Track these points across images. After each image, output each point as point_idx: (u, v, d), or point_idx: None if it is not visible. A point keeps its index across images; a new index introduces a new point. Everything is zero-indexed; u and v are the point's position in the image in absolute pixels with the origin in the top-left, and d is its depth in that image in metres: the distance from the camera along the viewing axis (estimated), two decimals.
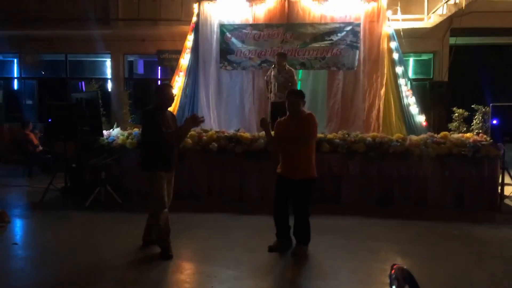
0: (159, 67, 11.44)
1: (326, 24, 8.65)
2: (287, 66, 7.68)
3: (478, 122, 7.63)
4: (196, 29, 8.84)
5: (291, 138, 4.26)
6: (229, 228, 5.18)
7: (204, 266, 4.06)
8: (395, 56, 8.40)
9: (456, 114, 8.16)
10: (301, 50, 8.66)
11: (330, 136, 6.61)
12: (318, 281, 3.72)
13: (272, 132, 4.54)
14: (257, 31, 8.74)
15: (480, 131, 7.22)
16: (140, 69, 12.71)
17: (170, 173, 4.28)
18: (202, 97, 8.74)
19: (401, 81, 8.34)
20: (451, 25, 9.27)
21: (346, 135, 6.57)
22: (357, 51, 8.54)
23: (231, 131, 6.72)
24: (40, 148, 9.19)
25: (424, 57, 10.29)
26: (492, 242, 4.84)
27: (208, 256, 4.29)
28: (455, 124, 8.10)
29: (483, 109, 7.47)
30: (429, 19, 9.19)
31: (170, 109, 4.46)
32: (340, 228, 5.20)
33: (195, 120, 4.14)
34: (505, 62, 16.56)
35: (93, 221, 5.50)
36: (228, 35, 8.77)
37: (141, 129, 4.34)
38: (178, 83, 8.61)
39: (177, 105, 8.46)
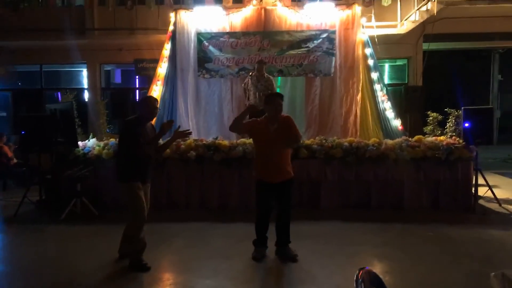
0: (137, 76, 11.36)
1: (302, 31, 8.77)
2: (266, 73, 7.75)
3: (451, 125, 7.82)
4: (173, 38, 8.83)
5: (273, 142, 4.25)
6: (208, 237, 5.15)
7: (182, 276, 4.02)
8: (370, 62, 8.57)
9: (430, 117, 8.35)
10: (278, 58, 8.74)
11: (308, 142, 6.66)
12: (296, 287, 3.73)
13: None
14: (235, 39, 8.78)
15: (453, 134, 7.40)
16: (117, 78, 12.59)
17: (146, 184, 4.24)
18: (180, 105, 8.70)
19: (377, 87, 8.49)
20: (424, 31, 9.52)
21: (324, 141, 6.63)
22: (333, 58, 8.68)
23: (210, 139, 6.71)
24: (15, 160, 8.97)
25: (399, 62, 10.52)
26: (468, 242, 4.94)
27: (186, 266, 4.25)
28: (429, 127, 8.28)
29: (456, 113, 7.67)
30: (402, 26, 9.42)
31: None
32: (319, 233, 5.24)
33: (183, 133, 4.19)
34: (477, 66, 17.11)
35: (69, 234, 5.38)
36: (206, 43, 8.79)
37: (119, 139, 4.29)
38: (156, 92, 8.56)
39: None
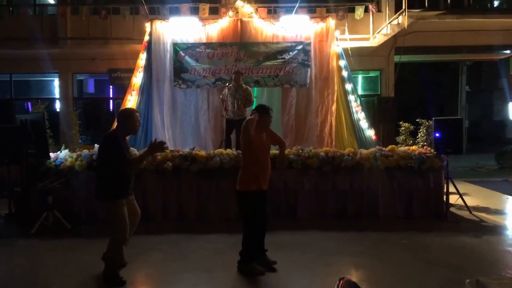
0: (111, 86, 11.19)
1: (278, 43, 8.89)
2: (244, 84, 7.80)
3: (422, 135, 8.06)
4: (149, 48, 8.78)
5: (268, 150, 4.44)
6: (186, 250, 5.08)
7: None
8: (345, 73, 8.76)
9: (402, 128, 8.58)
10: (254, 68, 8.82)
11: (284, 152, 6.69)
12: None
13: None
14: (211, 50, 8.81)
15: (425, 143, 7.62)
16: (90, 88, 12.36)
17: (129, 198, 4.16)
18: (156, 116, 8.63)
19: (351, 97, 8.68)
20: (395, 44, 9.81)
21: (300, 151, 6.69)
22: (309, 69, 8.83)
23: (186, 150, 6.66)
24: None
25: (372, 74, 10.78)
26: (441, 250, 5.07)
27: (164, 280, 4.18)
28: (402, 137, 8.51)
29: (427, 123, 7.91)
30: (375, 39, 9.69)
31: None
32: (296, 243, 5.25)
33: (161, 146, 3.98)
34: (446, 77, 17.77)
35: (40, 249, 5.20)
36: (182, 53, 8.78)
37: (101, 155, 4.06)
38: (131, 102, 8.45)
39: None
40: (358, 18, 9.58)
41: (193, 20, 8.96)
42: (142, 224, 6.03)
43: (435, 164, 6.47)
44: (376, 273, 4.32)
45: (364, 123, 8.48)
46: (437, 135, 6.59)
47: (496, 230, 5.95)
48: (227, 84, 7.85)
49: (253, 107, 8.76)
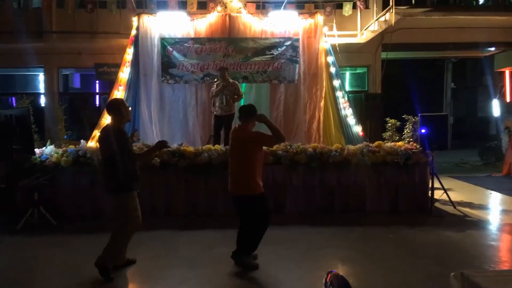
0: (97, 81, 11.06)
1: (266, 39, 8.89)
2: (231, 79, 7.79)
3: (409, 131, 8.17)
4: (136, 42, 8.69)
5: None
6: (175, 245, 5.07)
7: (148, 286, 3.94)
8: (332, 70, 8.81)
9: (389, 124, 8.68)
10: (243, 64, 8.80)
11: (273, 148, 6.73)
12: None
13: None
14: (199, 45, 8.76)
15: (411, 139, 7.73)
16: (76, 83, 12.20)
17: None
18: (143, 111, 8.57)
19: (339, 94, 8.74)
20: (382, 40, 9.89)
21: (289, 147, 6.72)
22: (297, 65, 8.85)
23: (174, 146, 6.63)
24: None
25: (359, 70, 10.86)
26: (426, 244, 5.16)
27: (153, 275, 4.17)
28: (388, 133, 8.61)
29: (413, 119, 8.01)
30: (362, 35, 9.76)
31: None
32: (284, 239, 5.29)
33: (165, 144, 4.18)
34: (432, 74, 17.98)
35: (26, 246, 5.13)
36: (170, 48, 8.71)
37: (109, 148, 3.99)
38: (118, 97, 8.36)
39: None
40: (346, 14, 9.63)
41: (181, 14, 8.90)
42: None
43: (420, 159, 6.57)
44: (363, 267, 4.38)
45: (351, 119, 8.55)
46: (422, 131, 6.69)
47: (479, 224, 6.08)
48: (215, 80, 7.84)
49: (242, 103, 8.85)
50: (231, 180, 4.37)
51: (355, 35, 9.80)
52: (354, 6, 9.65)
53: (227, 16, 8.83)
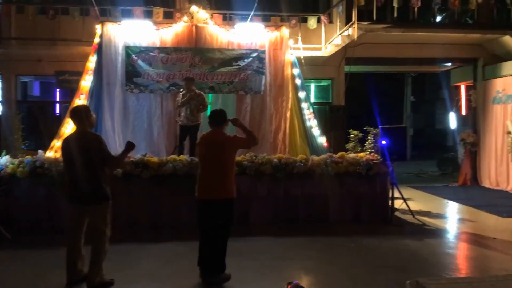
0: (58, 89, 10.71)
1: (233, 50, 8.93)
2: (197, 89, 7.77)
3: (370, 142, 8.41)
4: (99, 50, 8.50)
5: None
6: (136, 259, 4.95)
7: None
8: (298, 81, 8.96)
9: (352, 135, 8.90)
10: (209, 74, 8.80)
11: (238, 158, 6.73)
12: None
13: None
14: (165, 55, 8.69)
15: (372, 150, 7.96)
16: (35, 91, 11.75)
17: None
18: (106, 120, 8.36)
19: (304, 105, 8.89)
20: (346, 54, 10.16)
21: (254, 157, 6.76)
22: (263, 77, 8.94)
23: (138, 156, 6.51)
24: None
25: (323, 83, 11.10)
26: (386, 253, 5.31)
27: None
28: (351, 144, 8.82)
29: (374, 131, 8.26)
30: (326, 49, 10.00)
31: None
32: (249, 250, 5.29)
33: (133, 145, 4.18)
34: (392, 88, 18.67)
35: None
36: (134, 57, 8.58)
37: (95, 155, 3.93)
38: None
39: None
40: (311, 28, 9.85)
41: (147, 23, 8.80)
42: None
43: (381, 170, 6.77)
44: (325, 277, 4.45)
45: (316, 130, 8.70)
46: (383, 142, 6.91)
47: (437, 233, 6.32)
48: (181, 90, 7.79)
49: (208, 113, 8.82)
50: (206, 184, 4.30)
51: (319, 49, 10.03)
52: (319, 21, 9.89)
53: (194, 26, 8.81)
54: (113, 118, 8.40)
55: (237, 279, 4.30)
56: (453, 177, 11.45)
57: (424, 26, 10.28)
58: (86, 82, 8.31)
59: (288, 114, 8.90)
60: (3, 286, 4.11)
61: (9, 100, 10.00)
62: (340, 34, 9.71)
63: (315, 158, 6.94)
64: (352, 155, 7.21)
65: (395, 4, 9.52)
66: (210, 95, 8.93)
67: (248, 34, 8.97)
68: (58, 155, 6.55)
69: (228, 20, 9.45)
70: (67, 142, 4.08)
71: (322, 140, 8.62)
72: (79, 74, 8.57)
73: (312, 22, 9.82)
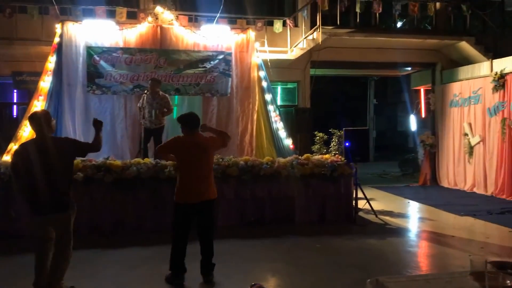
0: (15, 90, 10.25)
1: (199, 51, 8.87)
2: (161, 92, 7.66)
3: (335, 144, 8.58)
4: (59, 50, 8.20)
5: None
6: (98, 265, 4.80)
7: None
8: (264, 84, 9.02)
9: (317, 137, 9.05)
10: (175, 76, 8.69)
11: None
12: None
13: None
14: (129, 55, 8.50)
15: (337, 152, 8.12)
16: None
17: None
18: (67, 122, 8.08)
19: (270, 107, 8.95)
20: (311, 58, 10.34)
21: (221, 160, 6.73)
22: (230, 79, 8.93)
23: (100, 159, 6.32)
24: None
25: (290, 85, 11.23)
26: (350, 252, 5.42)
27: None
28: (317, 146, 8.97)
29: (339, 133, 8.43)
30: (292, 52, 10.12)
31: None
32: (215, 252, 5.23)
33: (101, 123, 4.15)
34: (356, 91, 19.19)
35: None
36: (96, 58, 8.35)
37: (68, 161, 3.86)
38: (38, 108, 7.79)
39: None
40: (276, 31, 9.94)
41: (109, 23, 8.58)
42: None
43: (345, 171, 6.91)
44: (292, 278, 4.48)
45: (282, 133, 8.78)
46: (346, 144, 7.06)
47: (398, 232, 6.52)
48: (145, 92, 7.65)
49: (174, 115, 8.71)
50: (192, 188, 4.31)
51: (285, 52, 10.14)
52: (284, 24, 10.01)
53: (159, 27, 8.68)
54: (74, 120, 8.13)
55: (203, 283, 4.26)
56: (414, 177, 11.86)
57: (385, 32, 10.62)
58: (45, 83, 8.00)
59: (255, 117, 8.93)
60: None
61: None
62: (305, 38, 9.86)
63: (281, 160, 6.99)
64: (317, 157, 7.32)
65: (357, 10, 9.78)
66: (176, 97, 8.82)
67: (215, 36, 8.94)
68: None
69: (194, 21, 9.37)
70: (24, 149, 3.82)
71: (288, 142, 8.71)
72: (38, 74, 8.25)
73: (277, 25, 9.91)
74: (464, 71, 10.46)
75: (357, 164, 7.13)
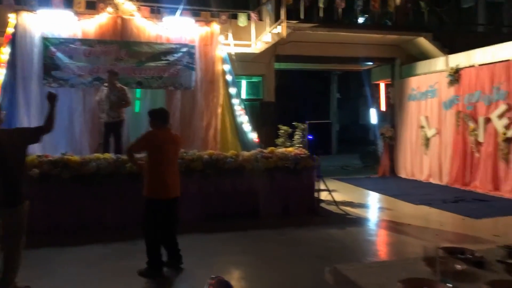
0: None
1: (162, 44, 8.71)
2: (119, 84, 7.47)
3: (298, 137, 8.70)
4: (13, 41, 7.83)
5: None
6: (55, 264, 4.65)
7: None
8: (229, 77, 8.99)
9: (281, 131, 9.14)
10: (137, 69, 8.50)
11: None
12: None
13: None
14: (88, 47, 8.22)
15: (300, 145, 8.24)
16: None
17: None
18: (22, 116, 7.73)
19: (235, 101, 8.95)
20: (275, 52, 10.40)
21: (185, 154, 6.66)
22: (193, 72, 8.84)
23: (57, 155, 6.10)
24: None
25: (254, 79, 11.26)
26: (312, 243, 5.54)
27: None
28: (281, 139, 9.05)
29: (302, 126, 8.55)
30: (257, 46, 10.14)
31: None
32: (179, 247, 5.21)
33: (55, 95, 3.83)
34: (319, 85, 19.51)
35: None
36: (53, 49, 8.02)
37: (22, 154, 3.68)
38: None
39: None
40: (241, 25, 9.92)
41: (67, 13, 8.26)
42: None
43: (308, 164, 7.04)
44: (255, 270, 4.54)
45: (247, 126, 8.80)
46: (309, 137, 7.18)
47: (358, 221, 6.73)
48: (104, 85, 7.44)
49: (137, 109, 8.52)
50: (171, 183, 4.33)
51: (249, 45, 10.14)
52: (249, 18, 10.00)
53: (119, 18, 8.44)
54: (29, 114, 7.79)
55: (167, 278, 4.24)
56: (374, 169, 12.23)
57: (347, 27, 10.82)
58: None
59: (219, 110, 8.90)
60: None
61: None
62: (269, 32, 9.89)
63: (246, 153, 7.02)
64: (281, 150, 7.40)
65: (321, 4, 9.92)
66: (138, 90, 8.63)
67: (178, 28, 8.81)
68: None
69: (156, 13, 9.18)
70: None
71: (253, 136, 8.73)
72: None
73: (242, 19, 9.90)
74: (422, 66, 10.87)
75: (320, 156, 7.27)
